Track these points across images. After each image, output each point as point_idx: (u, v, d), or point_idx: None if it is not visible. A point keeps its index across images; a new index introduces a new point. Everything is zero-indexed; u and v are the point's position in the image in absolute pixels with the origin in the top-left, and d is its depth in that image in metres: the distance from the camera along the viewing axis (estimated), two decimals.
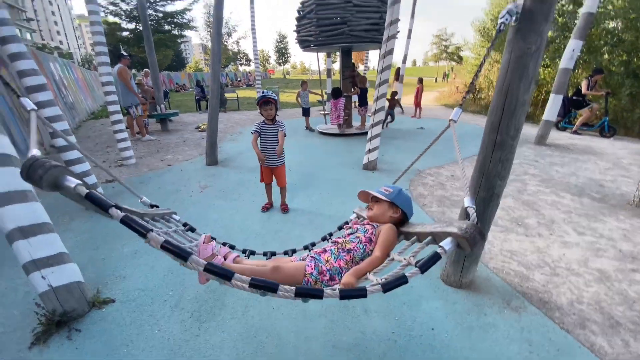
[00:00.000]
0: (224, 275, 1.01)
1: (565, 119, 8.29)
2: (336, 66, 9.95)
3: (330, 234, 1.87)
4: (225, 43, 40.37)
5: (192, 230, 1.79)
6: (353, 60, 8.69)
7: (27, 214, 1.78)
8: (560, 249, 2.74)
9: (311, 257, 1.38)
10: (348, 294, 1.04)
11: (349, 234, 1.50)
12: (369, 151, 4.94)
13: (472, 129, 8.66)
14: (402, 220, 1.55)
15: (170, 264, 2.53)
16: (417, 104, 10.47)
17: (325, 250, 1.41)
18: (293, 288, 1.02)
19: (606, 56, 8.68)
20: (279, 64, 58.77)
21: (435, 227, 1.22)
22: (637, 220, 3.24)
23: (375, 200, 1.60)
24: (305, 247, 1.78)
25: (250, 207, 3.68)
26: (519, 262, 2.56)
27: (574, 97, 7.86)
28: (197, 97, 12.55)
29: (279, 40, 56.15)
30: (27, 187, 1.79)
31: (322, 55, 10.88)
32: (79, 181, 0.99)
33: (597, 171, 4.93)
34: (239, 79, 35.09)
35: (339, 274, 1.32)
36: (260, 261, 1.51)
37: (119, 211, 0.98)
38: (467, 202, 1.23)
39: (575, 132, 7.90)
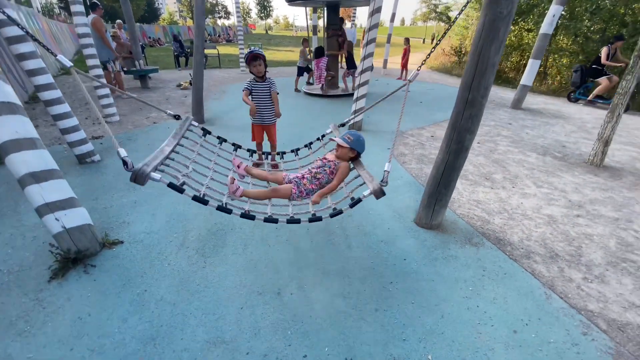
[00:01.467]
0: (249, 216, 1.72)
1: (580, 90, 7.74)
2: (322, 23, 9.59)
3: (311, 143, 2.76)
4: None
5: (209, 133, 2.49)
6: (340, 16, 8.41)
7: (37, 161, 1.90)
8: (519, 199, 3.13)
9: (295, 181, 2.09)
10: (313, 219, 1.76)
11: (319, 167, 2.15)
12: (355, 112, 5.09)
13: (455, 92, 8.82)
14: (357, 155, 2.17)
15: (171, 211, 2.74)
16: (404, 65, 10.42)
17: (303, 177, 2.12)
18: (262, 217, 1.71)
19: (586, 22, 8.83)
20: (261, 18, 55.22)
21: (366, 177, 1.90)
22: (589, 176, 3.67)
23: (339, 145, 2.13)
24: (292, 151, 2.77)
25: (206, 151, 3.84)
26: (483, 209, 2.93)
27: (593, 66, 7.20)
28: (175, 53, 11.94)
29: None
30: (35, 134, 1.90)
31: (310, 10, 10.38)
32: (159, 175, 1.54)
33: (562, 133, 5.34)
34: (218, 33, 32.97)
35: (311, 192, 2.08)
36: (263, 172, 2.33)
37: (192, 191, 1.69)
38: (386, 166, 1.81)
39: (589, 102, 7.42)
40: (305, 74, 8.60)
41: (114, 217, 2.64)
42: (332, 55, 8.21)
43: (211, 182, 1.98)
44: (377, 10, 4.59)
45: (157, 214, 2.71)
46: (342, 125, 2.63)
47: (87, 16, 5.06)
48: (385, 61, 12.24)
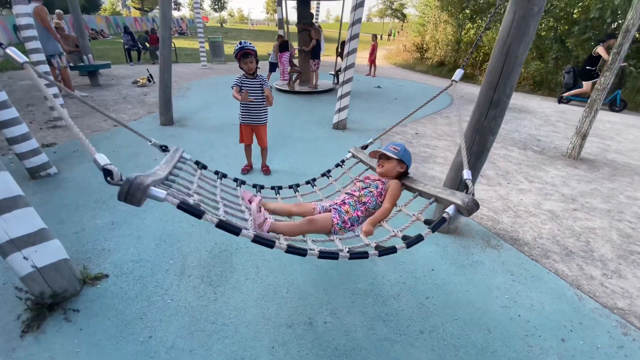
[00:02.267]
0: (269, 244, 1.16)
1: (572, 90, 7.63)
2: (283, 16, 9.19)
3: (329, 171, 2.21)
4: None
5: (205, 167, 1.94)
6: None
7: None
8: (518, 195, 3.18)
9: (334, 209, 1.60)
10: (384, 252, 1.27)
11: (363, 188, 1.69)
12: (339, 110, 4.92)
13: (425, 89, 9.04)
14: (405, 173, 1.75)
15: (159, 232, 2.36)
16: (372, 61, 10.45)
17: (344, 203, 1.63)
18: (317, 250, 1.20)
19: (551, 22, 9.44)
20: (215, 10, 52.54)
21: (438, 191, 1.46)
22: (570, 169, 3.86)
23: (386, 157, 1.73)
24: (290, 187, 2.13)
25: (227, 170, 3.48)
26: (488, 208, 2.92)
27: (587, 67, 7.01)
28: (126, 46, 10.85)
29: None
30: None
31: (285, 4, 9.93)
32: (165, 191, 1.04)
33: (533, 127, 5.63)
34: None
35: (357, 221, 1.59)
36: (285, 205, 1.80)
37: (215, 218, 1.12)
38: (466, 174, 1.39)
39: (560, 100, 7.58)
40: (277, 69, 8.25)
41: (89, 244, 2.21)
42: (303, 50, 7.95)
43: (226, 212, 1.45)
44: (360, 5, 4.44)
45: (142, 236, 2.32)
46: (365, 147, 2.19)
47: (28, 4, 4.28)
48: None
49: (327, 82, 8.36)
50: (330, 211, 1.60)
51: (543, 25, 9.38)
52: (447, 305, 1.85)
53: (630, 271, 2.19)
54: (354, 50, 4.64)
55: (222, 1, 50.41)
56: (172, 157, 1.66)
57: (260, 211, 1.45)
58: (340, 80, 4.82)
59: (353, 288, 1.94)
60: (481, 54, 12.08)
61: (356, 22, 4.48)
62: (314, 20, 13.80)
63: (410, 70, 13.93)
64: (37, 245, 1.60)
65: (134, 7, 44.13)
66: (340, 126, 5.00)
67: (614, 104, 7.11)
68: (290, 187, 2.14)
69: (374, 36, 10.75)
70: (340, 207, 1.61)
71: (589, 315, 1.82)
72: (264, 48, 21.16)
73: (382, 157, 1.77)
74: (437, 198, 1.46)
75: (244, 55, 2.81)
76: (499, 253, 2.31)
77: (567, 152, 4.22)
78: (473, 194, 1.26)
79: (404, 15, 45.68)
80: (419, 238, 1.29)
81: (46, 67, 4.07)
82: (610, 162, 4.12)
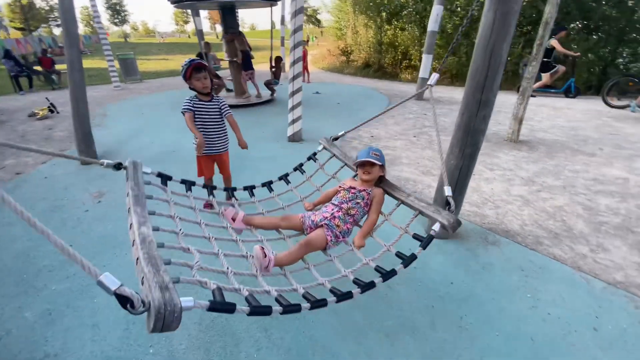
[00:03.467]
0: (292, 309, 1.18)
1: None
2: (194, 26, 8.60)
3: (287, 175, 2.26)
4: None
5: (169, 179, 1.86)
6: (210, 20, 7.72)
7: None
8: (487, 185, 3.32)
9: (326, 225, 1.68)
10: (386, 276, 1.39)
11: (350, 200, 1.77)
12: (293, 122, 4.66)
13: (361, 90, 9.27)
14: (383, 176, 1.88)
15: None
16: (305, 67, 10.36)
17: (334, 217, 1.72)
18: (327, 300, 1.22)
19: (456, 19, 10.43)
20: (115, 24, 47.32)
21: (422, 206, 1.61)
22: (516, 152, 4.22)
23: (371, 164, 1.81)
24: (264, 185, 2.20)
25: (186, 210, 2.96)
26: (469, 203, 2.97)
27: (544, 59, 6.99)
28: (12, 73, 8.96)
29: None
30: None
31: (202, 14, 9.17)
32: (192, 298, 0.87)
33: None
34: (60, 44, 26.75)
35: (347, 234, 1.74)
36: (272, 219, 1.86)
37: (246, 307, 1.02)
38: (447, 191, 1.55)
39: (533, 95, 7.45)
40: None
41: (24, 354, 1.58)
42: (235, 62, 7.47)
43: (227, 260, 1.40)
44: (299, 11, 4.24)
45: (99, 322, 1.75)
46: (336, 139, 2.31)
47: None
48: (283, 64, 12.00)
49: (264, 92, 8.00)
50: (322, 226, 1.69)
51: (450, 24, 10.40)
52: (482, 320, 1.74)
53: (609, 242, 2.38)
54: (299, 59, 4.43)
55: (123, 14, 45.57)
56: (132, 179, 1.52)
57: (266, 256, 1.41)
58: (290, 90, 4.56)
59: (384, 328, 1.71)
60: (399, 53, 12.99)
61: (298, 29, 4.27)
62: (221, 30, 13.27)
63: (340, 73, 14.30)
64: None
65: (14, 28, 37.21)
66: (296, 138, 4.73)
67: (569, 91, 7.67)
68: (264, 185, 2.17)
69: (305, 42, 10.69)
70: (330, 221, 1.70)
71: (602, 297, 1.89)
72: (181, 61, 19.74)
73: (366, 164, 1.81)
74: (421, 212, 1.60)
75: (196, 69, 2.38)
76: (500, 250, 2.32)
77: (507, 136, 4.62)
78: (452, 210, 1.49)
79: (319, 21, 47.26)
80: (413, 257, 1.42)
81: None
82: (542, 141, 4.63)
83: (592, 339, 1.63)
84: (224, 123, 2.66)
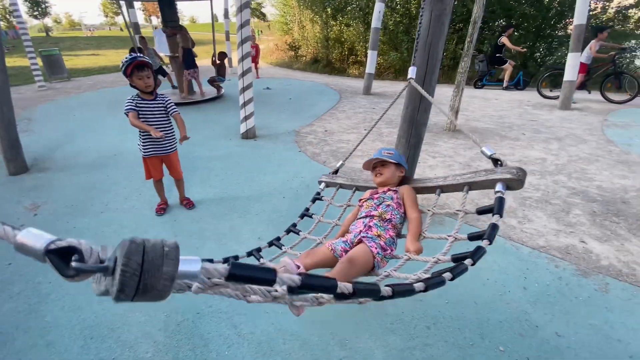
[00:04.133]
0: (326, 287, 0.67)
1: (486, 77, 8.79)
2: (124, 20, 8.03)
3: (295, 225, 1.82)
4: None
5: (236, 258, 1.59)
6: (144, 12, 7.31)
7: None
8: (431, 171, 3.62)
9: (364, 237, 1.36)
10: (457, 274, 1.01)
11: (378, 205, 1.51)
12: (245, 118, 4.60)
13: (312, 85, 9.37)
14: (405, 178, 1.70)
15: (80, 327, 1.69)
16: (256, 63, 10.16)
17: (369, 227, 1.42)
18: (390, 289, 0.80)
19: (397, 16, 10.91)
20: (35, 17, 41.34)
21: (468, 177, 1.37)
22: (454, 140, 4.63)
23: (382, 164, 1.65)
24: (271, 244, 1.72)
25: (136, 216, 2.80)
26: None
27: (496, 55, 8.14)
28: None
29: None
30: None
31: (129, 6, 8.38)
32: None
33: None
34: None
35: (392, 243, 1.40)
36: (313, 259, 1.38)
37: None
38: (488, 150, 1.33)
39: (506, 89, 8.39)
40: (160, 76, 7.16)
41: None
42: (176, 58, 7.07)
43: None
44: (245, 5, 4.18)
45: (54, 341, 1.62)
46: (336, 172, 2.11)
47: None
48: (230, 59, 11.63)
49: (208, 90, 7.68)
50: (361, 241, 1.34)
51: (392, 21, 10.91)
52: (433, 292, 1.94)
53: (532, 214, 2.77)
54: (247, 54, 4.37)
55: (44, 5, 39.90)
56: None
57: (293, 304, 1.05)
58: (240, 87, 4.48)
59: (349, 309, 1.82)
60: (346, 49, 13.31)
61: (245, 23, 4.20)
62: (157, 22, 12.48)
63: (289, 68, 14.25)
64: None
65: None
66: (250, 135, 4.67)
67: (518, 84, 8.52)
68: (271, 244, 1.72)
69: (252, 37, 10.41)
70: (368, 233, 1.38)
71: (529, 260, 2.21)
72: (115, 57, 18.07)
73: (377, 165, 1.68)
74: (469, 184, 1.35)
75: (138, 67, 2.25)
76: (445, 228, 2.57)
77: (446, 126, 5.04)
78: (514, 168, 1.17)
79: (263, 15, 46.27)
80: (495, 227, 1.07)
81: None
82: (475, 129, 5.14)
83: (523, 296, 1.91)
84: (170, 121, 2.57)
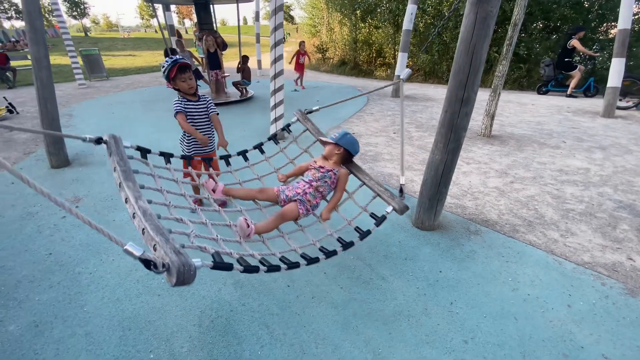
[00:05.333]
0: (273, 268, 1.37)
1: (551, 82, 8.16)
2: (182, 23, 8.34)
3: (275, 135, 2.45)
4: None
5: (149, 151, 1.75)
6: (178, 15, 7.46)
7: None
8: (465, 178, 3.50)
9: (299, 200, 1.94)
10: (346, 246, 1.69)
11: (319, 178, 2.00)
12: (276, 120, 4.65)
13: (340, 88, 9.34)
14: (348, 156, 2.10)
15: (119, 317, 1.76)
16: (301, 71, 9.09)
17: (305, 193, 1.96)
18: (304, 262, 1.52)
19: (428, 18, 10.72)
20: (74, 18, 44.17)
21: (380, 190, 1.97)
22: (489, 146, 4.46)
23: (333, 145, 2.09)
24: (239, 154, 2.36)
25: (168, 182, 2.89)
26: (450, 195, 3.12)
27: (565, 59, 7.47)
28: None
29: None
30: None
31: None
32: (199, 261, 0.99)
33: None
34: (12, 38, 24.73)
35: (315, 207, 2.02)
36: (249, 190, 2.08)
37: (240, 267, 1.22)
38: (402, 180, 2.01)
39: (570, 96, 7.71)
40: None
41: None
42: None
43: (215, 229, 1.61)
44: (280, 8, 4.23)
45: (92, 331, 1.70)
46: (309, 112, 2.47)
47: None
48: (259, 62, 11.85)
49: (232, 90, 7.81)
50: (295, 201, 1.93)
51: (422, 23, 10.71)
52: (470, 304, 1.86)
53: (576, 227, 2.61)
54: (280, 57, 4.42)
55: (83, 6, 42.62)
56: (117, 153, 1.47)
57: (246, 221, 1.66)
58: (272, 88, 4.54)
59: (382, 317, 1.79)
60: (374, 51, 13.22)
61: (279, 26, 4.26)
62: (190, 25, 12.89)
63: (316, 71, 14.33)
64: None
65: None
66: (279, 136, 4.71)
67: (588, 90, 7.88)
68: (239, 154, 2.32)
69: (302, 43, 9.11)
70: (303, 197, 1.95)
71: (573, 277, 2.08)
72: (150, 58, 18.91)
73: (329, 144, 2.10)
74: (378, 195, 1.95)
75: (180, 69, 2.33)
76: (482, 238, 2.47)
77: (480, 131, 4.87)
78: (402, 196, 1.96)
79: (292, 17, 46.81)
80: (368, 233, 1.76)
81: None
82: (512, 136, 4.93)
83: (567, 315, 1.80)
84: (211, 122, 2.63)
